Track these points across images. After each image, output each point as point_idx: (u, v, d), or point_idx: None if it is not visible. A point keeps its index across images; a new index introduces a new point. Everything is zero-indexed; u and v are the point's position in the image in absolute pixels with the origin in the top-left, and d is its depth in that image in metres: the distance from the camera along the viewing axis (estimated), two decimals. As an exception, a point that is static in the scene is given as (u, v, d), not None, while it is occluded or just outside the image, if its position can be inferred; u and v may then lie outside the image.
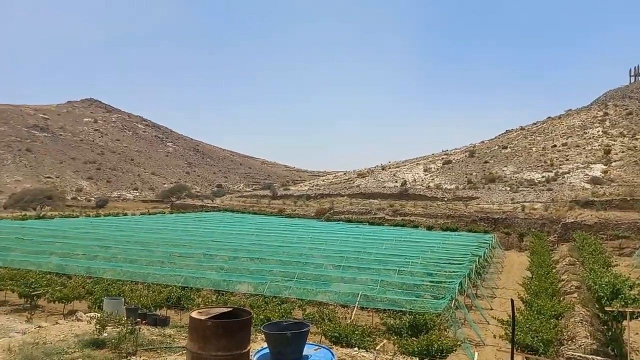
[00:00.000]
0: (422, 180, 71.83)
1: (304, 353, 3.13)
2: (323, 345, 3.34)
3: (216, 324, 4.28)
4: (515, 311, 5.49)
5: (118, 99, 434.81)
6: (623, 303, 13.55)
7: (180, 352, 5.84)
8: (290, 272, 20.54)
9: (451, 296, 17.05)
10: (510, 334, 13.06)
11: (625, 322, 13.28)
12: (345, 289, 18.40)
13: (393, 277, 21.36)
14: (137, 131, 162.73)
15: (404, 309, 15.66)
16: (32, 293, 16.46)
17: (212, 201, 74.99)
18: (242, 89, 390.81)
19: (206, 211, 63.38)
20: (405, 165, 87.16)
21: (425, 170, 78.70)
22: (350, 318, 15.17)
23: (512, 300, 5.69)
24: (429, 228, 44.11)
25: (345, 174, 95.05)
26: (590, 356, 12.70)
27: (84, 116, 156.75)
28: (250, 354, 4.14)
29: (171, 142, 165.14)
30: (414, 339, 12.07)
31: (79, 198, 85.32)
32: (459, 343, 12.17)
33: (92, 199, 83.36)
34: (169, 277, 18.69)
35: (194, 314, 4.57)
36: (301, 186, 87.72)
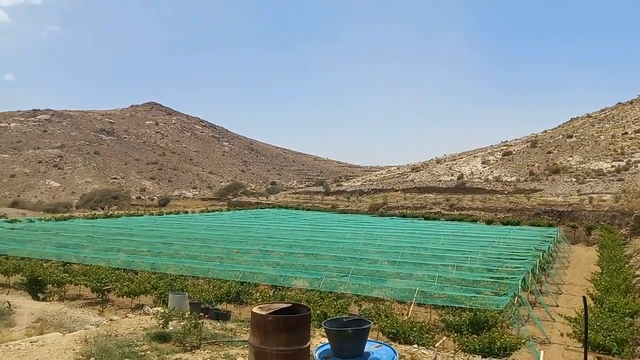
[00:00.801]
0: (480, 173, 69.51)
1: (365, 350, 3.09)
2: (384, 343, 3.28)
3: (277, 319, 4.33)
4: (587, 309, 5.16)
5: (177, 101, 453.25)
6: None
7: (242, 346, 5.99)
8: (345, 267, 20.55)
9: (514, 292, 16.37)
10: (582, 333, 12.37)
11: None
12: (401, 285, 18.17)
13: (451, 273, 20.83)
14: (195, 132, 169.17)
15: (463, 306, 15.22)
16: (103, 288, 17.53)
17: (267, 198, 76.57)
18: (295, 88, 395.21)
19: (261, 208, 64.77)
20: (462, 158, 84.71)
21: (483, 163, 76.09)
22: (408, 314, 14.96)
23: (584, 298, 5.35)
24: (489, 222, 42.58)
25: (398, 168, 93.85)
26: (672, 359, 11.76)
27: (145, 119, 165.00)
28: (311, 349, 4.16)
29: (227, 141, 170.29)
30: (475, 336, 11.71)
31: (142, 197, 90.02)
32: (523, 341, 11.66)
33: (155, 197, 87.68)
34: (227, 273, 19.26)
35: (256, 309, 4.65)
36: (354, 182, 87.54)
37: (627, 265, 22.44)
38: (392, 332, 11.78)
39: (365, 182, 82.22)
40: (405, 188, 64.26)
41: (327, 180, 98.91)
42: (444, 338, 11.66)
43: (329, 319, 3.41)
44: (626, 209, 37.86)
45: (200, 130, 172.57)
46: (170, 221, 43.55)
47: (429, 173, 76.82)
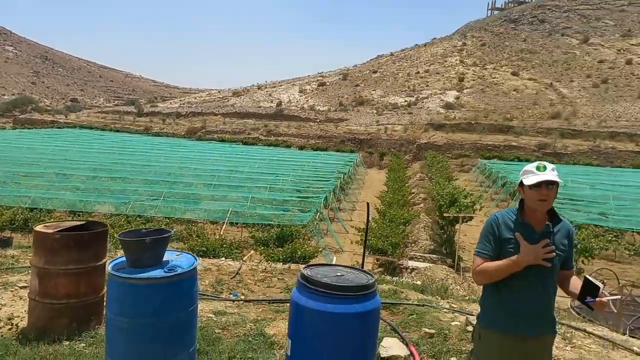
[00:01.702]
0: (297, 101, 72.55)
1: (165, 259, 3.15)
2: (185, 252, 3.39)
3: (65, 236, 4.06)
4: (370, 214, 6.17)
5: None
6: (458, 209, 15.95)
7: (26, 272, 5.48)
8: (157, 191, 19.86)
9: (316, 209, 18.25)
10: (364, 248, 14.71)
11: (457, 226, 15.74)
12: (215, 207, 18.52)
13: (264, 194, 21.99)
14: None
15: (272, 223, 16.38)
16: None
17: (66, 117, 67.05)
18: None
19: (58, 128, 56.63)
20: (281, 86, 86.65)
21: (300, 92, 79.31)
22: (220, 234, 15.48)
23: (367, 204, 6.37)
24: (301, 148, 45.49)
25: (219, 92, 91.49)
26: (428, 255, 14.94)
27: None
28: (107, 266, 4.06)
29: (12, 45, 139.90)
30: (280, 249, 12.86)
31: None
32: (320, 250, 13.29)
33: None
34: (12, 199, 16.76)
35: (39, 228, 4.26)
36: (171, 103, 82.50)
37: (406, 185, 26.88)
38: (202, 250, 12.10)
39: (184, 104, 78.25)
40: (226, 112, 63.44)
41: (140, 100, 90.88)
42: (252, 252, 12.52)
43: (125, 231, 3.35)
44: (411, 138, 44.65)
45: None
46: None
47: (249, 99, 76.95)
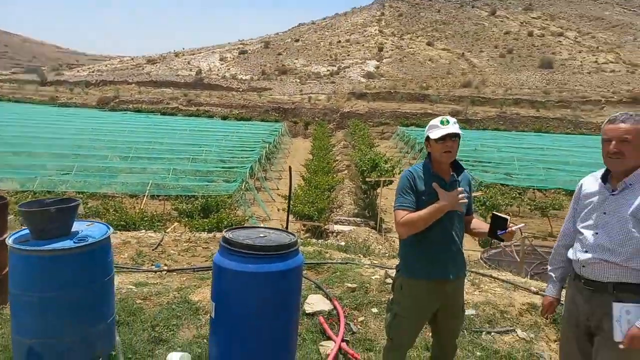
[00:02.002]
0: (218, 70, 70.06)
1: (74, 229, 2.94)
2: (98, 221, 3.19)
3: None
4: (292, 177, 6.20)
5: None
6: (379, 174, 16.56)
7: None
8: (68, 165, 18.52)
9: (242, 179, 18.05)
10: (293, 207, 14.83)
11: (378, 190, 16.38)
12: (134, 180, 17.66)
13: (186, 165, 21.31)
14: None
15: (196, 194, 15.97)
16: None
17: (-47, 86, 59.53)
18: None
19: (-56, 99, 50.28)
20: (200, 53, 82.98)
21: (221, 60, 76.54)
22: (140, 207, 14.83)
23: (290, 167, 6.38)
24: (224, 118, 44.32)
25: (132, 59, 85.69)
26: (352, 218, 15.45)
27: None
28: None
29: None
30: (206, 219, 12.61)
31: None
32: (247, 219, 13.23)
33: None
34: None
35: None
36: (78, 71, 76.03)
37: (330, 153, 27.33)
38: (122, 224, 11.55)
39: (93, 72, 72.47)
40: (141, 81, 59.73)
41: (42, 68, 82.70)
42: (176, 224, 12.17)
43: (26, 201, 3.09)
44: (334, 107, 45.14)
45: None
46: None
47: (166, 67, 72.92)
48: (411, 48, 74.40)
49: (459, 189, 2.35)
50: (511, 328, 3.65)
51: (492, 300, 3.95)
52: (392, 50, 73.96)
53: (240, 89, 55.99)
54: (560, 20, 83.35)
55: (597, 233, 2.13)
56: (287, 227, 4.47)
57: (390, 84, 51.71)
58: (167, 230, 11.21)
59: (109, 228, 2.97)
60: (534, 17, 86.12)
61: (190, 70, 68.79)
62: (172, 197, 16.58)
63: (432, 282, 2.44)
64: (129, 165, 20.53)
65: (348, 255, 5.45)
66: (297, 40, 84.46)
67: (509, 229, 2.31)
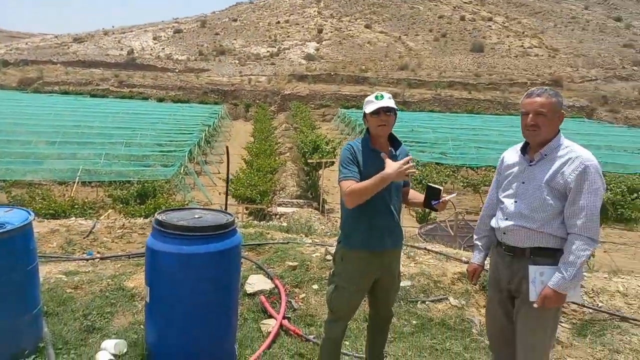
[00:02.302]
0: (152, 49, 66.85)
1: None
2: (18, 207, 2.97)
3: None
4: (230, 158, 6.08)
5: None
6: (320, 156, 16.66)
7: None
8: (-14, 151, 17.08)
9: (180, 163, 17.52)
10: (235, 190, 14.65)
11: (320, 171, 16.51)
12: (62, 166, 16.62)
13: (120, 150, 20.35)
14: None
15: (131, 180, 15.32)
16: None
17: None
18: None
19: None
20: (132, 32, 78.62)
21: (154, 39, 72.99)
22: (70, 195, 14.01)
23: (226, 147, 6.27)
24: (160, 100, 42.54)
25: (57, 37, 79.68)
26: (295, 200, 15.51)
27: None
28: None
29: None
30: (142, 206, 12.15)
31: None
32: (186, 204, 12.88)
33: None
34: None
35: None
36: (-7, 50, 69.62)
37: (272, 135, 27.11)
38: (50, 212, 10.87)
39: (11, 50, 66.67)
40: (67, 61, 55.77)
41: (-51, 46, 74.89)
42: (110, 211, 11.64)
43: None
44: (275, 89, 44.63)
45: None
46: None
47: (95, 45, 68.51)
48: (350, 30, 74.74)
49: (407, 158, 2.40)
50: (444, 296, 3.85)
51: (427, 271, 4.14)
52: (331, 32, 73.93)
53: (177, 70, 53.88)
54: (490, 5, 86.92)
55: (516, 201, 2.28)
56: (225, 208, 4.41)
57: (331, 66, 51.82)
58: (100, 218, 10.71)
59: (30, 214, 2.78)
60: (465, 2, 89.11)
61: (122, 49, 65.18)
62: (105, 183, 15.80)
63: (371, 253, 2.51)
64: (57, 150, 19.28)
65: (290, 235, 5.47)
66: (235, 20, 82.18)
67: (442, 199, 2.41)
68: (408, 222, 12.70)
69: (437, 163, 19.34)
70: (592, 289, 3.95)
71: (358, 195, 2.39)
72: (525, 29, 72.91)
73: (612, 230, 13.16)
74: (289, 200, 15.07)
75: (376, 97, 2.49)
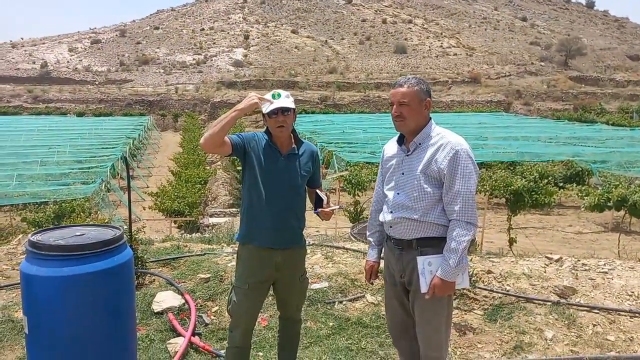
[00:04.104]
0: (68, 62, 63.02)
1: None
2: None
3: None
4: (129, 166, 5.76)
5: None
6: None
7: None
8: None
9: (101, 179, 16.55)
10: (162, 204, 14.06)
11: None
12: (-35, 191, 15.14)
13: (35, 170, 18.94)
14: None
15: (47, 200, 14.26)
16: None
17: None
18: None
19: None
20: (44, 44, 73.74)
21: (70, 50, 68.87)
22: (-24, 222, 12.79)
23: (125, 158, 5.92)
24: (80, 115, 40.16)
25: (-45, 51, 72.85)
26: (228, 209, 15.15)
27: None
28: None
29: None
30: (59, 227, 11.32)
31: None
32: (106, 221, 12.15)
33: None
34: None
35: None
36: None
37: (202, 144, 26.38)
38: (-51, 244, 9.83)
39: None
40: (-30, 77, 51.14)
41: None
42: (20, 235, 10.71)
43: None
44: (204, 97, 43.60)
45: None
46: None
47: (2, 59, 63.44)
48: (277, 36, 74.78)
49: (253, 94, 2.40)
50: (361, 294, 3.85)
51: (344, 271, 4.13)
52: (258, 38, 73.56)
53: (97, 82, 51.17)
54: (409, 9, 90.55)
55: (398, 193, 2.28)
56: (130, 224, 4.17)
57: (260, 71, 51.54)
58: (12, 243, 9.83)
59: None
60: (386, 5, 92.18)
61: (34, 63, 60.89)
62: (18, 206, 14.65)
63: (261, 249, 2.44)
64: (-41, 174, 17.56)
65: (210, 246, 5.28)
66: (157, 28, 79.47)
67: (323, 208, 2.43)
68: (342, 222, 12.78)
69: (367, 162, 19.70)
70: (500, 274, 4.11)
71: (210, 130, 2.34)
72: (443, 30, 76.66)
73: (533, 217, 14.03)
74: (222, 210, 14.70)
75: (273, 96, 2.43)
